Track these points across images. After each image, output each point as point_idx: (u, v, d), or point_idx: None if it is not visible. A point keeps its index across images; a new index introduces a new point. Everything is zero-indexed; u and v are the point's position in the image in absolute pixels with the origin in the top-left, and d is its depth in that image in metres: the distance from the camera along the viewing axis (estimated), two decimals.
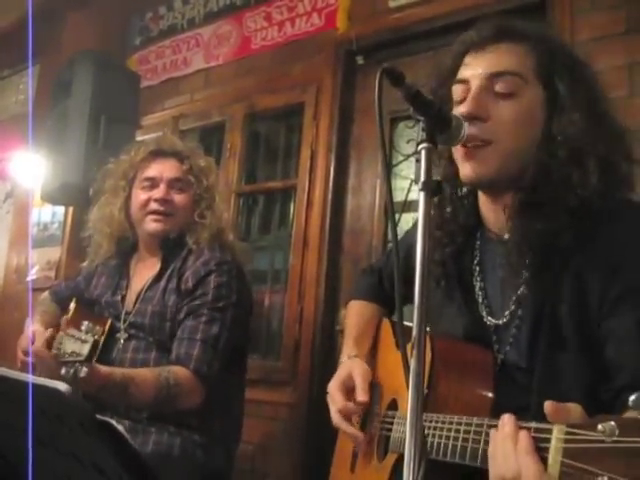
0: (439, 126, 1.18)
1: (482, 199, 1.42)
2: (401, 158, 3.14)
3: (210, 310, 2.10)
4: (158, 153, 2.34)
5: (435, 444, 1.16)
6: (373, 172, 3.21)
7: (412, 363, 1.03)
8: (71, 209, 4.14)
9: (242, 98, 3.71)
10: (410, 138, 3.11)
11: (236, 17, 3.89)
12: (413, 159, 1.14)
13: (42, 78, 4.67)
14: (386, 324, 1.73)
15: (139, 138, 3.67)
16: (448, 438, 1.14)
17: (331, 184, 3.24)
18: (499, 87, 1.30)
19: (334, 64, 3.36)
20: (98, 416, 0.83)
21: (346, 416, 1.53)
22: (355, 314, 1.82)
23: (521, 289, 1.33)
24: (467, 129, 1.21)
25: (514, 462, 0.92)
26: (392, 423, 1.43)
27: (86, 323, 1.79)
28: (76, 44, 4.07)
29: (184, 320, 2.10)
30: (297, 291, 3.23)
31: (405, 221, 3.04)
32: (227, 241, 2.32)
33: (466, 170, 1.32)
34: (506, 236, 1.36)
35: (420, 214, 1.12)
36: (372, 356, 1.68)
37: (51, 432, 0.96)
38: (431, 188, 1.12)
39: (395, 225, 1.22)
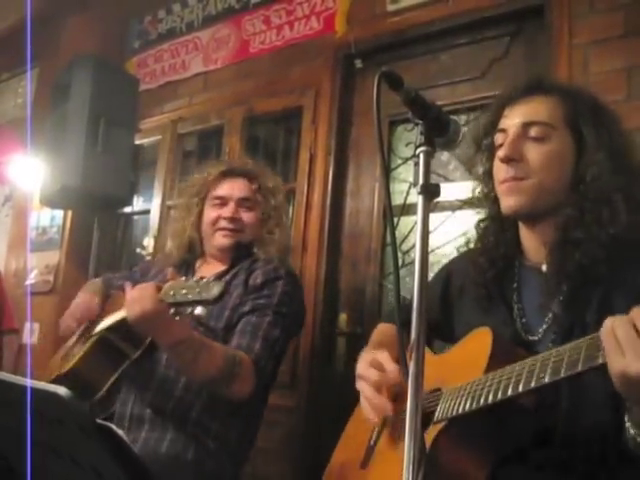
0: (437, 129, 1.19)
1: (523, 232, 1.58)
2: (400, 161, 3.15)
3: (274, 313, 2.15)
4: (228, 173, 2.45)
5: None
6: (372, 175, 3.21)
7: (411, 366, 1.04)
8: (70, 213, 4.14)
9: (241, 102, 3.72)
10: (409, 141, 3.12)
11: (235, 21, 3.90)
12: (412, 162, 1.16)
13: (41, 81, 4.67)
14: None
15: (138, 142, 3.68)
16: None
17: (330, 187, 3.25)
18: (532, 133, 1.49)
19: (333, 67, 3.36)
20: (98, 420, 0.83)
21: (378, 390, 1.54)
22: (379, 331, 1.93)
23: (555, 310, 1.45)
24: (506, 171, 1.48)
25: None
26: (435, 400, 1.44)
27: (196, 278, 1.81)
28: (75, 47, 4.08)
29: (248, 314, 2.14)
30: None
31: (404, 224, 3.06)
32: (290, 258, 2.43)
33: (507, 202, 1.51)
34: (544, 267, 1.51)
35: (419, 217, 1.13)
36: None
37: (50, 436, 0.96)
38: (429, 191, 1.13)
39: (394, 229, 1.24)
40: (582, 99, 1.54)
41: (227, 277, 2.27)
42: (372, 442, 1.64)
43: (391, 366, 1.53)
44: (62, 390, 0.82)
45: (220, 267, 2.35)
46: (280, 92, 3.55)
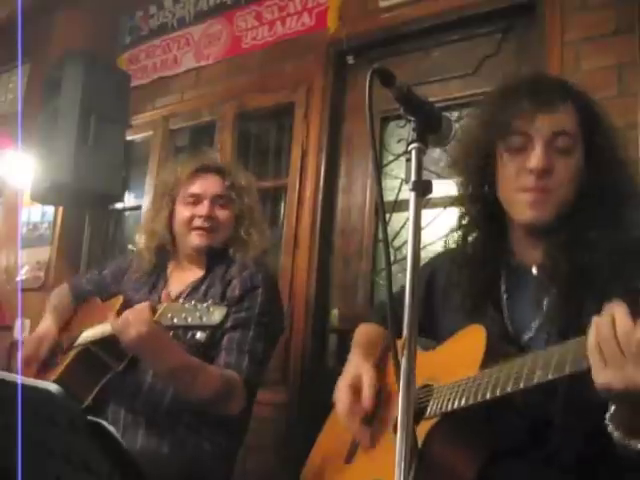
0: (429, 126, 1.19)
1: (517, 234, 1.55)
2: (391, 158, 3.15)
3: (257, 325, 2.14)
4: (201, 170, 2.38)
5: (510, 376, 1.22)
6: (364, 171, 3.21)
7: (402, 362, 1.04)
8: (61, 209, 4.12)
9: (232, 97, 3.71)
10: (401, 138, 3.12)
11: (227, 16, 3.88)
12: (404, 159, 1.16)
13: (32, 77, 4.65)
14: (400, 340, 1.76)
15: (129, 138, 3.67)
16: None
17: (322, 184, 3.24)
18: (560, 144, 1.45)
19: (325, 64, 3.35)
20: (89, 417, 0.83)
21: (351, 415, 1.59)
22: (363, 330, 1.91)
23: (547, 309, 1.44)
24: (535, 181, 1.43)
25: None
26: (427, 396, 1.45)
27: (194, 301, 1.79)
28: (66, 43, 4.06)
29: (231, 331, 2.12)
30: (288, 291, 3.22)
31: (396, 220, 3.06)
32: (267, 260, 2.40)
33: (530, 213, 1.45)
34: (534, 269, 1.50)
35: (411, 214, 1.13)
36: (379, 364, 1.71)
37: (42, 432, 0.95)
38: (422, 188, 1.13)
39: (386, 225, 1.24)
40: (591, 106, 1.53)
41: (202, 288, 2.24)
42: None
43: (367, 392, 1.58)
44: (53, 387, 0.82)
45: (194, 274, 2.31)
46: (272, 88, 3.54)
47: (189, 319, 1.74)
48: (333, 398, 1.67)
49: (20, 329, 2.27)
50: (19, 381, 0.87)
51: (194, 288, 2.26)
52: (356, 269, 3.13)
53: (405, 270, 1.11)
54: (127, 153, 3.71)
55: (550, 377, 1.12)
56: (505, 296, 1.54)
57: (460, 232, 1.63)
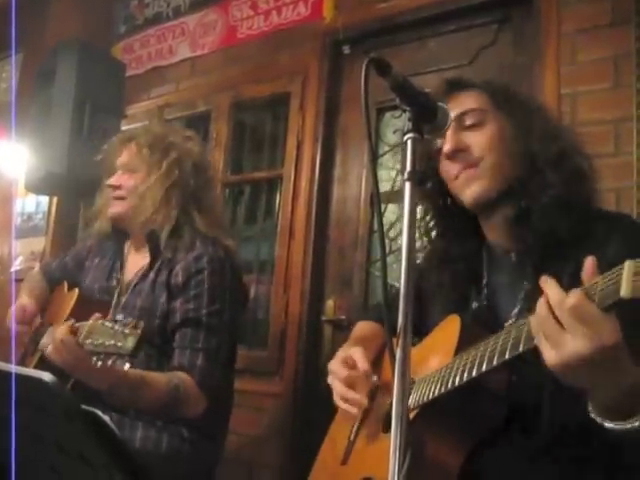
0: (425, 116, 1.19)
1: (484, 226, 1.57)
2: (387, 148, 3.15)
3: (208, 316, 2.05)
4: (122, 141, 2.32)
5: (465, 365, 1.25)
6: (359, 162, 3.21)
7: (398, 352, 1.04)
8: (55, 199, 4.11)
9: (228, 87, 3.70)
10: (396, 128, 3.11)
11: (222, 6, 3.87)
12: (399, 149, 1.17)
13: (25, 67, 4.62)
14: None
15: (124, 127, 3.65)
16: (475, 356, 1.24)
17: (317, 174, 3.24)
18: (467, 121, 1.51)
19: (320, 54, 3.35)
20: (83, 406, 0.83)
21: (350, 385, 1.56)
22: (360, 327, 1.91)
23: (524, 292, 1.44)
24: (452, 167, 1.50)
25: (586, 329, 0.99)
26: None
27: (121, 316, 1.75)
28: (60, 32, 4.03)
29: (182, 327, 2.06)
30: (283, 281, 3.23)
31: (391, 211, 3.05)
32: (218, 234, 2.25)
33: (468, 193, 1.49)
34: (512, 253, 1.50)
35: (406, 204, 1.13)
36: (376, 359, 1.70)
37: (35, 423, 0.95)
38: (417, 178, 1.12)
39: (381, 216, 1.24)
40: (495, 87, 1.59)
41: (151, 275, 2.16)
42: (351, 438, 1.64)
43: (363, 364, 1.55)
44: (46, 376, 0.82)
45: (144, 259, 2.22)
46: (268, 78, 3.53)
47: (106, 343, 1.67)
48: (328, 383, 1.64)
49: (14, 319, 2.25)
50: (13, 370, 0.87)
51: (143, 275, 2.18)
52: (351, 260, 3.14)
53: (399, 261, 1.11)
54: None
55: (507, 357, 1.13)
56: (486, 287, 1.55)
57: (426, 236, 1.67)
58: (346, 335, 2.79)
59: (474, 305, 1.53)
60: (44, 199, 4.17)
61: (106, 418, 0.83)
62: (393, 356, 1.06)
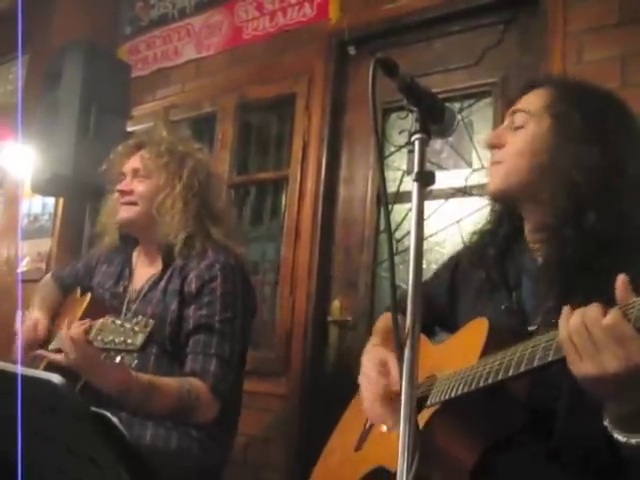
0: (432, 116, 1.19)
1: (527, 225, 1.57)
2: (393, 149, 3.14)
3: (220, 323, 2.07)
4: (132, 147, 2.34)
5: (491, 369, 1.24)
6: (365, 163, 3.20)
7: (406, 352, 1.04)
8: (62, 200, 4.11)
9: (233, 88, 3.70)
10: (402, 129, 3.11)
11: (227, 7, 3.87)
12: (405, 150, 1.17)
13: (31, 68, 4.63)
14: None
15: (130, 129, 3.66)
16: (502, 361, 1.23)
17: (323, 175, 3.24)
18: (516, 121, 1.53)
19: (326, 54, 3.34)
20: (92, 408, 0.83)
21: (378, 397, 1.57)
22: (384, 318, 1.89)
23: (551, 301, 1.42)
24: (491, 156, 1.56)
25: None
26: (429, 386, 1.46)
27: (130, 315, 1.76)
28: (66, 34, 4.03)
29: (195, 334, 2.07)
30: (289, 282, 3.23)
31: (397, 212, 3.05)
32: (229, 242, 2.26)
33: (488, 186, 1.57)
34: (539, 258, 1.51)
35: (413, 204, 1.12)
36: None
37: (44, 424, 0.95)
38: (424, 178, 1.12)
39: (389, 216, 1.24)
40: (572, 87, 1.56)
41: (162, 284, 2.18)
42: (367, 426, 1.66)
43: (395, 376, 1.55)
44: (55, 377, 0.81)
45: (155, 267, 2.25)
46: (273, 79, 3.53)
47: (116, 340, 1.71)
48: (359, 381, 1.66)
49: (20, 320, 2.26)
50: (19, 371, 0.87)
51: (154, 283, 2.21)
52: (357, 260, 3.13)
53: (406, 261, 1.11)
54: None
55: (536, 365, 1.14)
56: (516, 281, 1.55)
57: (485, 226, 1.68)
58: (352, 335, 2.80)
59: (503, 307, 1.52)
60: (50, 200, 4.17)
61: (115, 420, 0.83)
62: (402, 355, 1.06)
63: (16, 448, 0.98)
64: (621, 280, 1.03)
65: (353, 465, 1.61)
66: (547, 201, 1.45)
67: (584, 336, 1.04)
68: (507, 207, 1.61)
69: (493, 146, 1.54)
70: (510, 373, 1.19)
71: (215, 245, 2.20)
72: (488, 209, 1.69)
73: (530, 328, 1.45)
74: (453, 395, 1.32)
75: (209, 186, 2.29)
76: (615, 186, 1.39)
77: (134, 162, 2.28)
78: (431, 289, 1.79)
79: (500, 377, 1.21)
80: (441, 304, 1.75)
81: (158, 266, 2.24)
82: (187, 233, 2.18)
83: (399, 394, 1.52)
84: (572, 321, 1.07)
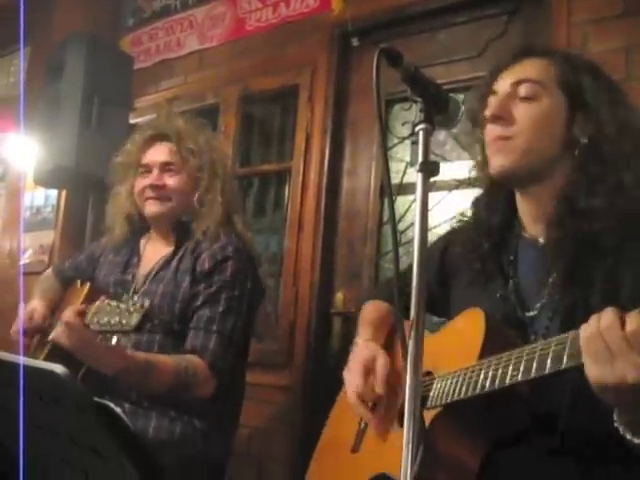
0: (437, 107, 1.18)
1: (519, 201, 1.53)
2: (396, 141, 3.13)
3: (227, 299, 2.10)
4: (152, 138, 2.34)
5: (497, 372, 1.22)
6: (368, 154, 3.19)
7: (410, 344, 1.04)
8: (64, 192, 4.11)
9: (236, 80, 3.69)
10: (405, 120, 3.10)
11: None
12: (408, 142, 1.16)
13: (33, 60, 4.62)
14: (406, 322, 1.74)
15: (132, 121, 3.66)
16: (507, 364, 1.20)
17: (326, 166, 3.23)
18: (522, 92, 1.44)
19: (329, 46, 3.33)
20: (95, 398, 0.83)
21: (362, 399, 1.57)
22: (371, 307, 1.86)
23: (552, 283, 1.41)
24: (493, 130, 1.44)
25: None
26: (428, 385, 1.43)
27: (126, 296, 1.76)
28: (67, 26, 4.02)
29: (201, 308, 2.09)
30: (292, 274, 3.23)
31: (401, 203, 3.04)
32: (238, 228, 2.30)
33: (494, 163, 1.46)
34: (541, 240, 1.47)
35: (418, 195, 1.12)
36: (388, 344, 1.70)
37: (47, 415, 0.95)
38: (429, 169, 1.12)
39: (393, 207, 1.23)
40: (580, 60, 1.50)
41: (174, 263, 2.20)
42: (362, 426, 1.64)
43: (380, 377, 1.55)
44: (58, 368, 0.81)
45: (165, 248, 2.28)
46: (276, 70, 3.52)
47: (111, 321, 1.72)
48: (343, 375, 1.65)
49: (22, 313, 2.26)
50: (21, 362, 0.87)
51: (166, 262, 2.23)
52: (361, 252, 3.13)
53: (410, 253, 1.11)
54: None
55: (547, 372, 1.11)
56: (512, 271, 1.51)
57: (472, 207, 1.63)
58: (355, 328, 2.77)
59: (498, 295, 1.49)
60: (53, 192, 4.17)
61: (118, 410, 0.82)
62: (407, 349, 1.05)
63: (19, 439, 0.98)
64: None
65: (353, 470, 1.59)
66: (555, 181, 1.42)
67: (598, 341, 1.02)
68: (504, 193, 1.56)
69: (499, 119, 1.44)
70: (519, 378, 1.16)
71: (227, 229, 2.24)
72: (479, 197, 1.63)
73: (529, 314, 1.44)
74: (456, 398, 1.30)
75: (229, 177, 2.35)
76: (626, 156, 1.37)
77: (161, 155, 2.29)
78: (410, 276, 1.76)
79: (507, 382, 1.18)
80: (429, 288, 1.67)
81: (170, 246, 2.27)
82: (216, 225, 2.23)
83: (381, 396, 1.53)
84: (588, 328, 1.05)
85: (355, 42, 3.29)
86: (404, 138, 3.07)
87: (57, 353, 1.99)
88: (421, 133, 1.14)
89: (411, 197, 2.94)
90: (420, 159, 1.12)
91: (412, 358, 1.04)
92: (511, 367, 1.19)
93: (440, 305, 1.68)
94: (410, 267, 1.11)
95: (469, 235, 1.59)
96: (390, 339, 1.72)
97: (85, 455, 0.93)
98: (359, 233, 3.15)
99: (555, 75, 1.44)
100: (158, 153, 2.29)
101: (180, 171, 2.28)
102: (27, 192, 4.34)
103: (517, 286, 1.49)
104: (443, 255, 1.71)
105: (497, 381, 1.21)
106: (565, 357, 1.08)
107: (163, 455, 1.94)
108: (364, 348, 1.66)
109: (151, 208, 2.27)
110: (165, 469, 0.89)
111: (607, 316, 1.03)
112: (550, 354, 1.11)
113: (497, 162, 1.45)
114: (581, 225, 1.34)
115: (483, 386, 1.23)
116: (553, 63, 1.47)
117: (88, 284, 2.25)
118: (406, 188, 3.01)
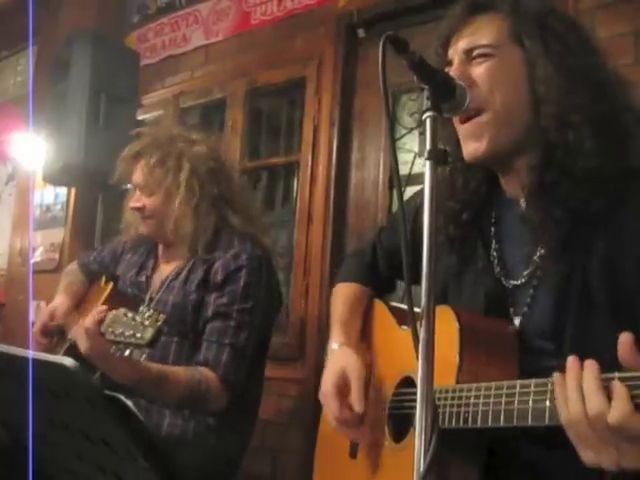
0: (444, 94, 1.17)
1: (499, 174, 1.42)
2: (404, 131, 3.12)
3: (239, 312, 2.06)
4: (130, 157, 2.29)
5: (477, 412, 1.14)
6: (376, 145, 3.18)
7: (422, 333, 1.02)
8: (73, 190, 4.12)
9: (243, 74, 3.68)
10: (413, 111, 3.08)
11: None
12: (416, 132, 1.14)
13: (40, 58, 4.63)
14: (379, 305, 1.71)
15: (140, 117, 3.66)
16: (487, 404, 1.12)
17: (334, 158, 3.22)
18: (476, 54, 1.32)
19: (335, 38, 3.32)
20: (106, 391, 0.83)
21: (343, 422, 1.49)
22: (341, 298, 1.76)
23: (540, 251, 1.32)
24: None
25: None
26: (411, 400, 1.34)
27: (144, 308, 1.76)
28: (73, 23, 4.04)
29: (212, 320, 2.07)
30: (302, 267, 3.22)
31: (409, 194, 3.02)
32: (255, 231, 2.26)
33: (467, 149, 1.34)
34: (522, 202, 1.36)
35: (427, 183, 1.10)
36: (363, 339, 1.66)
37: (59, 409, 0.95)
38: (437, 157, 1.11)
39: (402, 199, 1.21)
40: (529, 9, 1.34)
41: (184, 273, 2.18)
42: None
43: (359, 406, 1.44)
44: (68, 361, 0.81)
45: (181, 257, 2.24)
46: (282, 63, 3.51)
47: (125, 333, 1.72)
48: (319, 396, 1.57)
49: (32, 311, 2.27)
50: (30, 356, 0.87)
51: (176, 274, 2.21)
52: None
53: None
54: None
55: (530, 424, 1.04)
56: (494, 238, 1.43)
57: (447, 175, 1.46)
58: None
59: (480, 264, 1.41)
60: (62, 190, 4.18)
61: (129, 403, 0.82)
62: (418, 338, 1.04)
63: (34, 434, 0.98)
64: (625, 339, 0.92)
65: (355, 477, 1.54)
66: (534, 151, 1.30)
67: (585, 427, 0.94)
68: (485, 170, 1.43)
69: None
70: (501, 423, 1.08)
71: (241, 235, 2.20)
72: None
73: (514, 282, 1.36)
74: (447, 426, 1.19)
75: (215, 177, 2.24)
76: (605, 110, 1.25)
77: (137, 176, 2.25)
78: (391, 240, 1.70)
79: (501, 424, 1.09)
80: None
81: (184, 258, 2.23)
82: (212, 230, 2.19)
83: (362, 416, 1.45)
84: (571, 407, 0.95)
85: (361, 33, 3.29)
86: (412, 129, 3.06)
87: (76, 352, 2.00)
88: (428, 121, 1.13)
89: (419, 187, 2.92)
90: (428, 147, 1.11)
91: (424, 346, 1.02)
92: (502, 411, 1.09)
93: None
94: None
95: (443, 207, 1.42)
96: (365, 329, 1.67)
97: (98, 449, 0.93)
98: (368, 225, 3.14)
99: (507, 30, 1.33)
100: (137, 173, 2.26)
101: (154, 192, 2.22)
102: (37, 190, 4.36)
103: (500, 254, 1.41)
104: (415, 222, 1.52)
105: (490, 420, 1.12)
106: (547, 416, 1.01)
107: (175, 452, 1.95)
108: (337, 360, 1.56)
109: (143, 229, 2.29)
110: (177, 464, 0.89)
111: (592, 399, 0.93)
112: (530, 405, 1.04)
113: (469, 149, 1.33)
114: (566, 200, 1.24)
115: (475, 420, 1.15)
116: (505, 16, 1.34)
117: (111, 284, 2.27)
118: (415, 179, 3.00)
